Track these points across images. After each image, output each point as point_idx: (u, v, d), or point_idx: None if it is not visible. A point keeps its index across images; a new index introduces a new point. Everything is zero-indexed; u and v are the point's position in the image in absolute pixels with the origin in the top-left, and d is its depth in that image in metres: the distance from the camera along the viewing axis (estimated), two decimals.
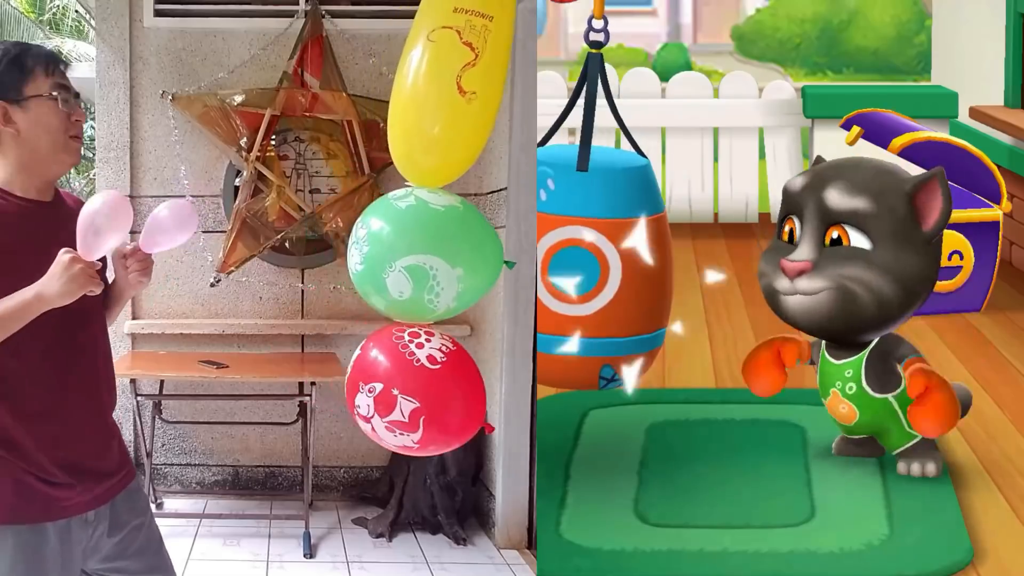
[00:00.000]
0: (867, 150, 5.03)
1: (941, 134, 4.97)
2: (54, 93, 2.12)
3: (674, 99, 6.34)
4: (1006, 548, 2.76)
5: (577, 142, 3.07)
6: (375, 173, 4.81)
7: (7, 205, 2.08)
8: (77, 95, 2.19)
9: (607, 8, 3.09)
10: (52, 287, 1.98)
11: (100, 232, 2.04)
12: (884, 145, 4.80)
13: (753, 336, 4.36)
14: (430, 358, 2.21)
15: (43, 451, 2.07)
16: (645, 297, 2.95)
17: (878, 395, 3.06)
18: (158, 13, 4.80)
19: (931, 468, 3.05)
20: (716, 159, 6.38)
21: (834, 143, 5.68)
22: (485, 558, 4.22)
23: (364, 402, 2.22)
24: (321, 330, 4.94)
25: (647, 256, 2.93)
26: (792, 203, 3.06)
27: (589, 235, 2.90)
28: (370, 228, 2.28)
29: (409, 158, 2.36)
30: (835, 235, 2.95)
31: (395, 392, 2.17)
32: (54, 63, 2.16)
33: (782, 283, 3.02)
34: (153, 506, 4.56)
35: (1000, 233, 4.64)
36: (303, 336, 4.98)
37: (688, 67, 12.20)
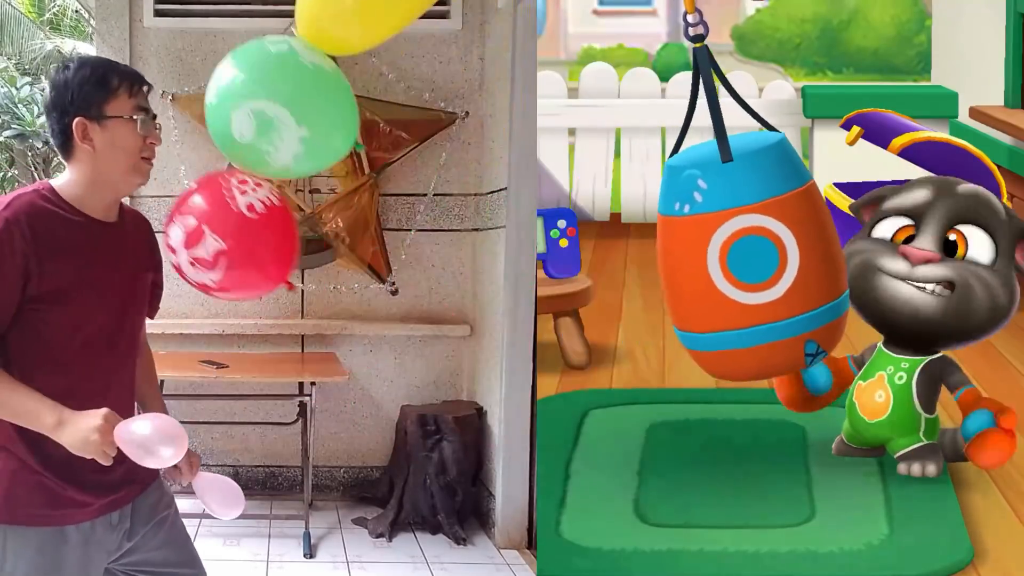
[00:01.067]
0: (867, 150, 5.04)
1: (941, 134, 4.97)
2: (135, 116, 2.12)
3: (674, 99, 6.34)
4: (1006, 548, 2.76)
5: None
6: (375, 173, 4.81)
7: (74, 223, 2.10)
8: (155, 116, 2.19)
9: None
10: (72, 434, 2.00)
11: (149, 451, 2.03)
12: (884, 145, 4.79)
13: None
14: (249, 206, 2.20)
15: (75, 459, 2.07)
16: (824, 264, 2.94)
17: (917, 402, 3.06)
18: (158, 13, 4.80)
19: (931, 469, 3.05)
20: None
21: (834, 143, 5.68)
22: (485, 558, 4.22)
23: (175, 233, 2.22)
24: (321, 330, 4.94)
25: (814, 225, 2.93)
26: (912, 209, 3.06)
27: (756, 220, 2.88)
28: (234, 63, 2.21)
29: (316, 23, 2.24)
30: (952, 238, 2.97)
31: (205, 229, 2.19)
32: (139, 84, 2.15)
33: (896, 264, 3.01)
34: None
35: None
36: (303, 336, 4.98)
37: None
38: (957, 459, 3.13)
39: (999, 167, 4.80)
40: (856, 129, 4.98)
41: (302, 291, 4.97)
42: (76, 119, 2.08)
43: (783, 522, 2.84)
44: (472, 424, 4.56)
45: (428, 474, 4.47)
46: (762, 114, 6.65)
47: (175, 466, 2.23)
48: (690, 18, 2.99)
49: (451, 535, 4.39)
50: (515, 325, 4.29)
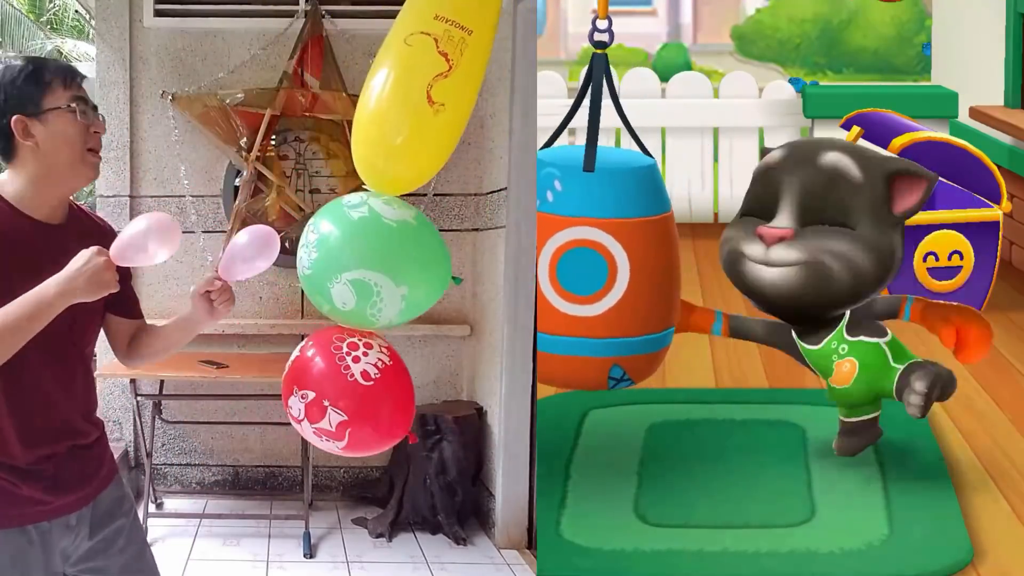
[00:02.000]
0: None
1: (941, 134, 4.97)
2: (72, 105, 2.10)
3: (674, 99, 6.35)
4: (1006, 548, 2.76)
5: (578, 143, 3.07)
6: None
7: (11, 222, 2.06)
8: (95, 108, 2.17)
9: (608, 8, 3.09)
10: (79, 282, 1.95)
11: (138, 249, 2.02)
12: (884, 145, 4.79)
13: None
14: (364, 374, 2.23)
15: (34, 460, 2.07)
16: (653, 296, 2.95)
17: (870, 339, 3.07)
18: (158, 13, 4.80)
19: (919, 386, 3.05)
20: (716, 159, 6.38)
21: None
22: (485, 558, 4.22)
23: (296, 405, 2.29)
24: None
25: (655, 255, 2.93)
26: (770, 177, 3.06)
27: (597, 235, 2.90)
28: (320, 233, 2.28)
29: (371, 164, 2.32)
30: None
31: (326, 404, 2.23)
32: (71, 76, 2.14)
33: (754, 249, 3.00)
34: (153, 506, 4.56)
35: (1000, 233, 4.64)
36: (303, 336, 4.97)
37: (688, 67, 12.18)
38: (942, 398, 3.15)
39: (999, 167, 4.80)
40: (856, 129, 4.98)
41: (302, 291, 4.97)
42: (14, 117, 2.05)
43: (783, 522, 2.84)
44: (472, 424, 4.56)
45: (428, 474, 4.47)
46: (762, 114, 6.66)
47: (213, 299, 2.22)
48: (600, 24, 2.99)
49: (451, 535, 4.39)
50: (515, 325, 4.29)
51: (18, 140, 2.06)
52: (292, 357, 2.35)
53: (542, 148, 3.10)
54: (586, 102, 3.06)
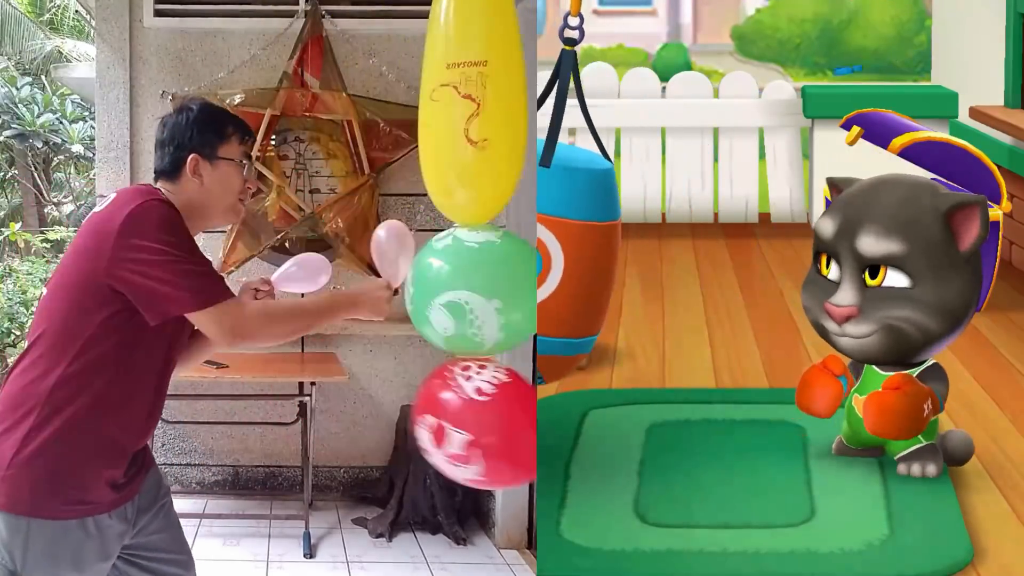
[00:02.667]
0: (867, 150, 5.04)
1: (941, 134, 4.97)
2: (242, 160, 2.37)
3: (674, 99, 6.34)
4: (1006, 548, 2.76)
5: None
6: (375, 173, 4.81)
7: None
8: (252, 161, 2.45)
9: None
10: (372, 305, 2.34)
11: (391, 261, 2.36)
12: (884, 145, 4.79)
13: (753, 336, 4.36)
14: (478, 390, 2.25)
15: (129, 456, 2.26)
16: (581, 301, 2.94)
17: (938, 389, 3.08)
18: (158, 13, 4.80)
19: (931, 469, 3.05)
20: (716, 159, 6.38)
21: (834, 143, 5.68)
22: (485, 558, 4.22)
23: (423, 436, 2.30)
24: (321, 330, 4.94)
25: (592, 261, 2.92)
26: (826, 246, 3.08)
27: (538, 231, 2.90)
28: (415, 269, 2.40)
29: (441, 200, 2.49)
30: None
31: (444, 425, 2.24)
32: (248, 135, 2.41)
33: (831, 325, 3.06)
34: None
35: (1000, 233, 4.63)
36: (303, 336, 4.99)
37: (688, 67, 12.19)
38: (955, 462, 3.13)
39: (999, 167, 4.80)
40: (856, 129, 4.98)
41: (301, 291, 4.97)
42: (191, 155, 2.31)
43: (783, 522, 2.84)
44: None
45: (428, 474, 4.47)
46: (762, 114, 6.67)
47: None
48: (572, 21, 2.98)
49: (451, 535, 4.39)
50: None
51: (187, 174, 2.31)
52: (417, 394, 2.42)
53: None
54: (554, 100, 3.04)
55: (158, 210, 2.19)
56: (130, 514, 2.30)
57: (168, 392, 4.79)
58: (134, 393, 2.23)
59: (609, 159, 3.09)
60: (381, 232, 2.41)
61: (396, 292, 2.40)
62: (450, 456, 2.24)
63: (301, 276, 2.59)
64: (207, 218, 2.37)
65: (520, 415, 2.29)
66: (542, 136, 3.07)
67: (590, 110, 3.10)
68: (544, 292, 2.88)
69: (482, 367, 2.31)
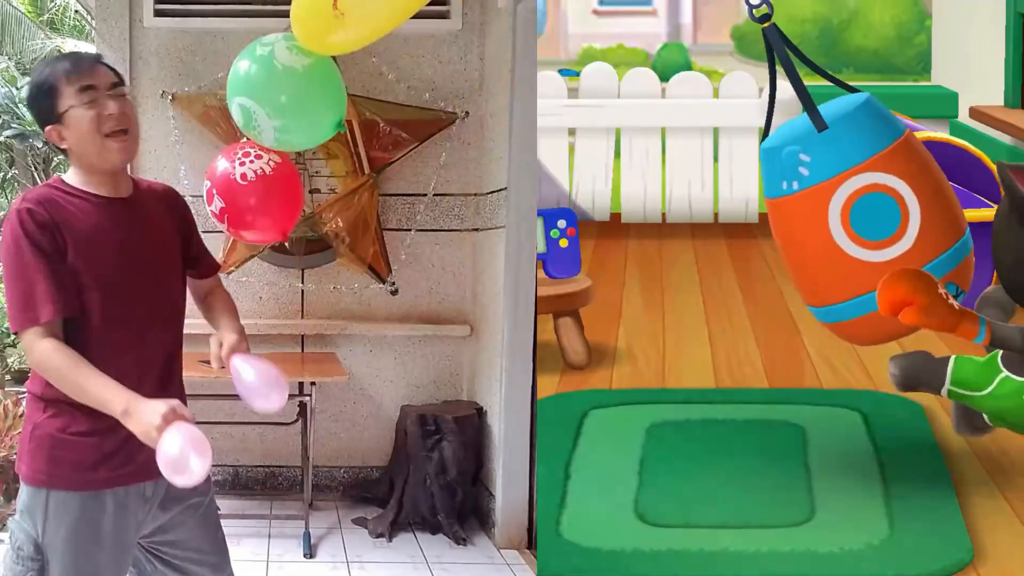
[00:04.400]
0: None
1: (941, 134, 4.97)
2: (73, 104, 2.26)
3: (674, 99, 6.35)
4: (1006, 548, 2.76)
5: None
6: (375, 173, 4.81)
7: (83, 202, 2.26)
8: (116, 83, 2.37)
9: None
10: (138, 423, 2.08)
11: (182, 471, 2.08)
12: None
13: (753, 336, 4.36)
14: (243, 175, 2.81)
15: (118, 424, 2.17)
16: (942, 207, 2.94)
17: None
18: (158, 13, 4.80)
19: None
20: (716, 159, 6.38)
21: None
22: (485, 558, 4.22)
23: (205, 193, 2.89)
24: (321, 330, 4.94)
25: (923, 171, 2.93)
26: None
27: (870, 178, 2.87)
28: (237, 59, 2.76)
29: (294, 20, 2.72)
30: None
31: (214, 192, 2.86)
32: (73, 70, 2.30)
33: None
34: None
35: None
36: (303, 336, 4.98)
37: (688, 67, 12.20)
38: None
39: None
40: None
41: (302, 291, 4.97)
42: (47, 129, 2.27)
43: (783, 522, 2.84)
44: (472, 424, 4.56)
45: (428, 474, 4.47)
46: (762, 114, 6.67)
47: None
48: (753, 0, 3.01)
49: (451, 535, 4.39)
50: (515, 325, 4.29)
51: (58, 145, 2.28)
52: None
53: (763, 141, 3.08)
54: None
55: (9, 226, 2.21)
56: (149, 493, 2.30)
57: None
58: (103, 362, 2.19)
59: (856, 91, 3.08)
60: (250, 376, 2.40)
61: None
62: (212, 212, 2.87)
63: (255, 390, 2.43)
64: (94, 167, 2.28)
65: (277, 199, 2.88)
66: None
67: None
68: (915, 220, 2.88)
69: (258, 156, 2.82)
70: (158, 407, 2.07)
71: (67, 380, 2.16)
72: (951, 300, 2.80)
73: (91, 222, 2.24)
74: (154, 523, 2.35)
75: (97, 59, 2.37)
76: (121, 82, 2.38)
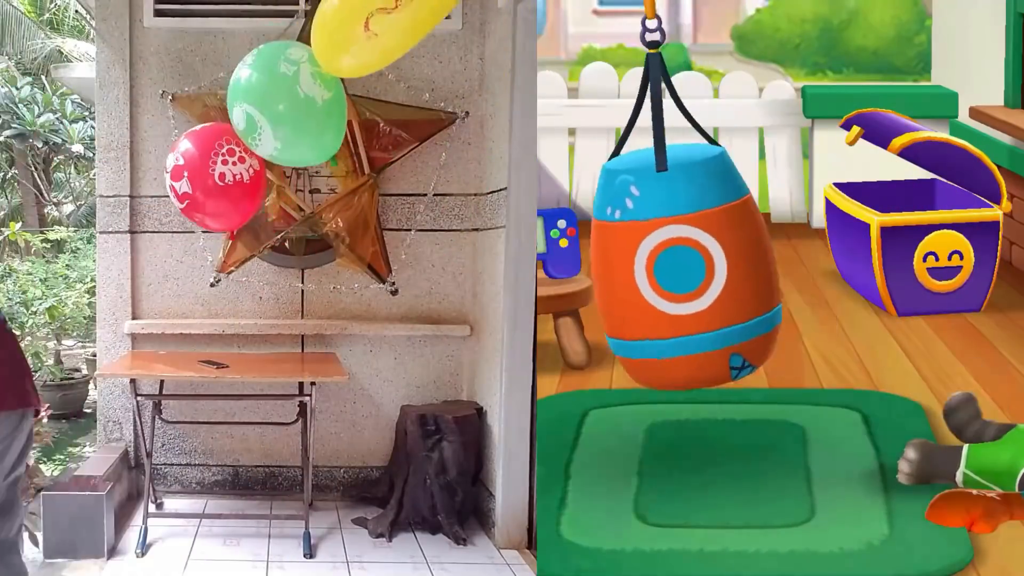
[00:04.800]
0: (867, 150, 5.04)
1: (941, 134, 4.97)
2: None
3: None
4: (1006, 548, 2.76)
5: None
6: (375, 173, 4.81)
7: None
8: None
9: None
10: None
11: None
12: (884, 145, 4.79)
13: None
14: (221, 176, 2.93)
15: None
16: (753, 278, 2.95)
17: None
18: (158, 13, 4.80)
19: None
20: None
21: (834, 143, 5.68)
22: (485, 558, 4.22)
23: (171, 159, 3.00)
24: (321, 330, 4.94)
25: (745, 238, 2.94)
26: None
27: (685, 231, 2.89)
28: (252, 63, 2.76)
29: (318, 51, 2.70)
30: None
31: (184, 173, 2.93)
32: None
33: None
34: (153, 506, 4.56)
35: (1000, 233, 4.64)
36: (303, 336, 4.98)
37: (688, 67, 12.19)
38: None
39: (999, 167, 4.80)
40: (856, 129, 4.98)
41: (302, 291, 4.97)
42: None
43: (783, 522, 2.84)
44: (472, 424, 4.56)
45: (428, 474, 4.47)
46: (762, 114, 6.67)
47: None
48: (650, 24, 2.99)
49: (451, 535, 4.39)
50: (515, 325, 4.29)
51: None
52: (194, 128, 3.11)
53: (609, 159, 3.10)
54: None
55: None
56: None
57: (168, 392, 4.79)
58: None
59: (717, 144, 3.10)
60: None
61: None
62: (172, 187, 2.96)
63: None
64: None
65: (230, 206, 2.99)
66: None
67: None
68: (718, 284, 2.89)
69: (241, 160, 2.93)
70: None
71: None
72: (991, 494, 2.83)
73: None
74: None
75: None
76: None
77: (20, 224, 10.85)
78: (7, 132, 11.34)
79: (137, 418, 4.57)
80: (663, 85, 3.04)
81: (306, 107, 2.69)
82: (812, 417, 3.44)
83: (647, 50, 3.02)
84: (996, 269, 4.63)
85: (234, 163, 2.88)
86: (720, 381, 3.01)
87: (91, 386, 8.40)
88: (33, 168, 12.21)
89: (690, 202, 2.91)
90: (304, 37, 4.73)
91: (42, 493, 4.12)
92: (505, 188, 4.40)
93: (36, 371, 8.25)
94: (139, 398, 4.52)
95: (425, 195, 4.89)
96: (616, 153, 3.10)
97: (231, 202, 2.85)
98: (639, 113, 3.03)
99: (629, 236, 2.93)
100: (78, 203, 12.79)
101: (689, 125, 3.12)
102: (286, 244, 4.87)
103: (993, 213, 4.62)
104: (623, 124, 3.15)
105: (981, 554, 2.71)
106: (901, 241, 4.55)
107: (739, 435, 3.38)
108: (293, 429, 4.75)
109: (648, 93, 3.02)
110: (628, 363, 3.05)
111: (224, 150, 2.89)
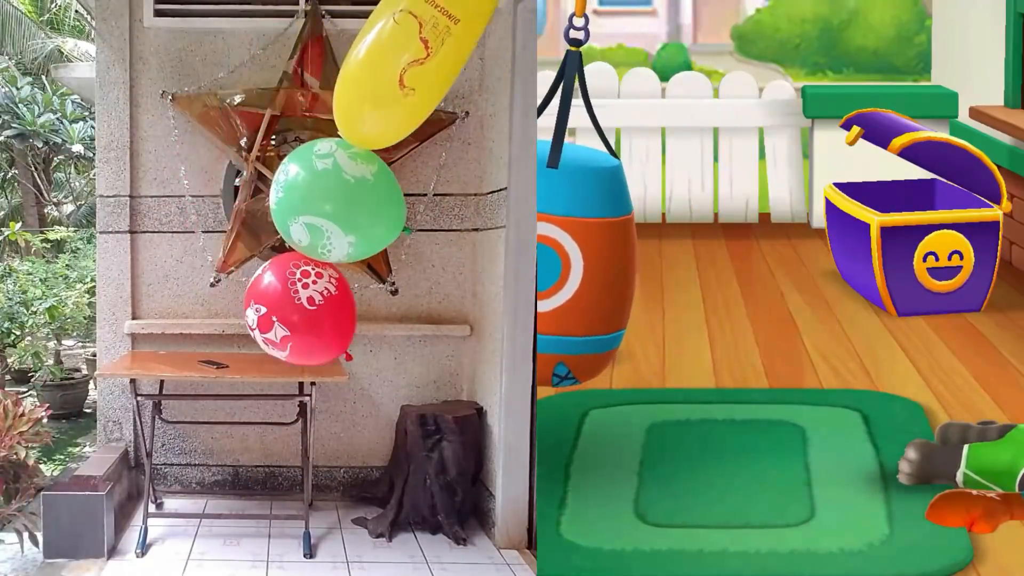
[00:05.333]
0: (867, 150, 5.04)
1: (941, 134, 4.97)
2: None
3: (674, 99, 6.35)
4: (1006, 548, 2.76)
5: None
6: None
7: None
8: None
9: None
10: None
11: None
12: (884, 145, 4.80)
13: (753, 336, 4.36)
14: (309, 299, 2.66)
15: None
16: (605, 298, 2.96)
17: None
18: (158, 13, 4.80)
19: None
20: (716, 159, 6.38)
21: (834, 143, 5.68)
22: (485, 558, 4.22)
23: (251, 316, 2.72)
24: None
25: (610, 257, 2.94)
26: None
27: (553, 232, 2.90)
28: (288, 176, 2.57)
29: (344, 122, 2.55)
30: None
31: (274, 320, 2.68)
32: None
33: None
34: (153, 506, 4.56)
35: (1000, 233, 4.64)
36: None
37: (688, 67, 12.19)
38: None
39: (999, 167, 4.81)
40: (856, 129, 4.98)
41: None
42: None
43: (783, 522, 2.84)
44: (472, 424, 4.56)
45: (428, 474, 4.47)
46: (762, 114, 6.67)
47: None
48: (577, 22, 2.99)
49: (451, 535, 4.39)
50: (515, 325, 4.29)
51: None
52: (255, 276, 2.73)
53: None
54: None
55: None
56: None
57: (168, 392, 4.78)
58: None
59: (616, 156, 3.10)
60: None
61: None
62: (268, 340, 2.70)
63: None
64: None
65: (338, 324, 2.72)
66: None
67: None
68: (567, 292, 2.90)
69: (319, 275, 2.65)
70: None
71: None
72: (991, 494, 2.85)
73: None
74: None
75: None
76: None
77: (20, 224, 10.86)
78: (7, 132, 11.35)
79: (137, 418, 4.57)
80: (576, 84, 3.04)
81: (360, 190, 2.52)
82: (812, 417, 3.44)
83: (569, 47, 3.03)
84: (996, 269, 4.63)
85: (314, 281, 2.65)
86: (540, 383, 3.03)
87: (91, 386, 8.41)
88: (33, 168, 12.22)
89: (569, 206, 2.92)
90: (304, 38, 4.75)
91: (42, 493, 4.12)
92: (505, 188, 4.40)
93: (36, 371, 8.27)
94: (139, 398, 4.52)
95: (425, 195, 4.89)
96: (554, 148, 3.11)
97: (333, 319, 2.67)
98: (545, 107, 3.05)
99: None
100: (78, 203, 12.80)
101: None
102: (286, 244, 4.87)
103: (993, 213, 4.62)
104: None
105: (981, 554, 2.72)
106: (901, 241, 4.55)
107: (739, 435, 3.38)
108: (293, 429, 4.75)
109: (560, 90, 3.02)
110: None
111: (298, 275, 2.66)
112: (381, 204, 2.56)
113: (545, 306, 2.92)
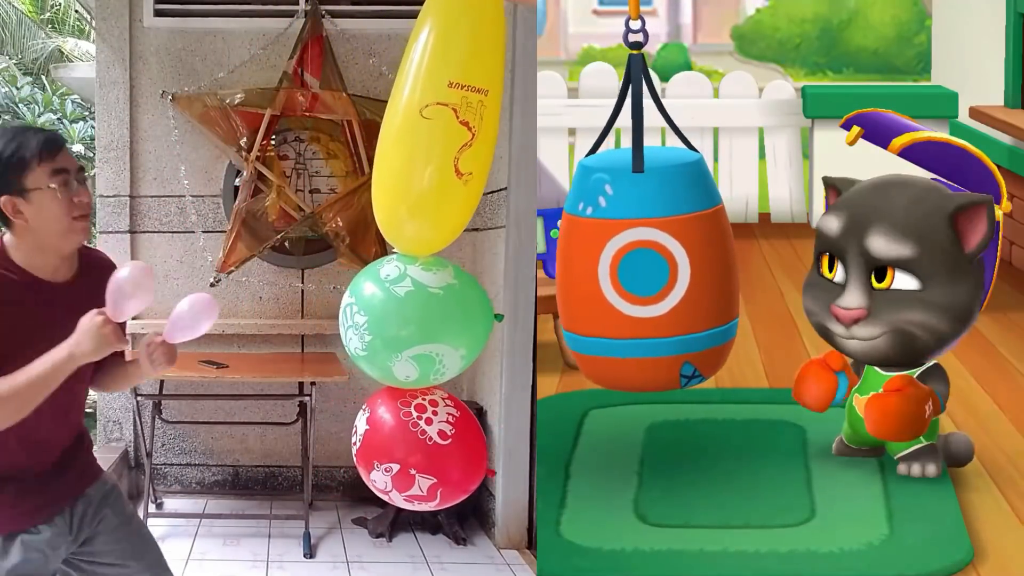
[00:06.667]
0: (867, 150, 5.03)
1: (941, 134, 4.97)
2: (51, 185, 2.23)
3: (674, 99, 6.34)
4: (1006, 548, 2.76)
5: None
6: None
7: (26, 290, 2.26)
8: (81, 169, 2.30)
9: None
10: (85, 346, 2.15)
11: (127, 297, 2.22)
12: (884, 145, 4.79)
13: (753, 336, 4.36)
14: (441, 433, 2.30)
15: (31, 472, 2.26)
16: (715, 289, 2.96)
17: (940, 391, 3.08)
18: (158, 13, 4.81)
19: (931, 469, 3.05)
20: (716, 159, 6.38)
21: (834, 143, 5.68)
22: (485, 558, 4.22)
23: (381, 479, 2.31)
24: (321, 330, 4.94)
25: (712, 248, 2.94)
26: (831, 245, 3.07)
27: (653, 235, 2.89)
28: (370, 315, 2.31)
29: (398, 230, 2.36)
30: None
31: (413, 472, 2.29)
32: (49, 149, 2.25)
33: (837, 328, 3.04)
34: (153, 506, 4.57)
35: (1000, 233, 4.63)
36: (303, 336, 4.98)
37: (688, 67, 12.19)
38: (955, 464, 3.13)
39: (999, 167, 4.79)
40: (856, 129, 4.97)
41: (302, 291, 4.97)
42: (3, 198, 2.22)
43: (783, 522, 2.84)
44: None
45: None
46: (762, 114, 6.67)
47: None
48: (633, 25, 2.99)
49: (451, 535, 4.39)
50: (515, 325, 4.29)
51: (10, 217, 2.24)
52: (360, 430, 2.37)
53: (587, 155, 3.09)
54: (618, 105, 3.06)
55: None
56: (62, 525, 2.34)
57: (168, 392, 4.78)
58: None
59: (695, 150, 3.11)
60: (124, 272, 2.28)
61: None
62: (412, 497, 2.32)
63: (188, 321, 2.43)
64: (51, 248, 2.28)
65: (475, 446, 2.40)
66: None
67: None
68: (679, 291, 2.90)
69: (433, 403, 2.34)
70: (84, 320, 2.15)
71: (12, 400, 2.15)
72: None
73: (24, 311, 2.24)
74: (78, 540, 2.39)
75: (65, 141, 2.35)
76: (83, 168, 2.35)
77: None
78: None
79: (137, 418, 4.58)
80: (644, 87, 3.04)
81: (450, 298, 2.30)
82: (812, 417, 3.44)
83: (630, 51, 3.03)
84: (996, 269, 4.62)
85: (434, 413, 2.34)
86: (668, 387, 3.02)
87: None
88: None
89: (661, 206, 2.91)
90: (304, 38, 4.75)
91: None
92: (505, 188, 4.40)
93: None
94: (139, 398, 4.53)
95: None
96: (595, 150, 3.11)
97: (471, 440, 2.39)
98: (619, 113, 3.04)
99: (598, 234, 2.94)
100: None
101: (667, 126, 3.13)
102: (286, 244, 4.87)
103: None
104: (623, 124, 3.16)
105: (981, 554, 2.72)
106: None
107: (739, 435, 3.38)
108: (293, 429, 4.75)
109: (629, 94, 3.02)
110: (581, 359, 3.06)
111: (414, 407, 2.34)
112: (473, 302, 2.37)
113: (659, 309, 2.91)
